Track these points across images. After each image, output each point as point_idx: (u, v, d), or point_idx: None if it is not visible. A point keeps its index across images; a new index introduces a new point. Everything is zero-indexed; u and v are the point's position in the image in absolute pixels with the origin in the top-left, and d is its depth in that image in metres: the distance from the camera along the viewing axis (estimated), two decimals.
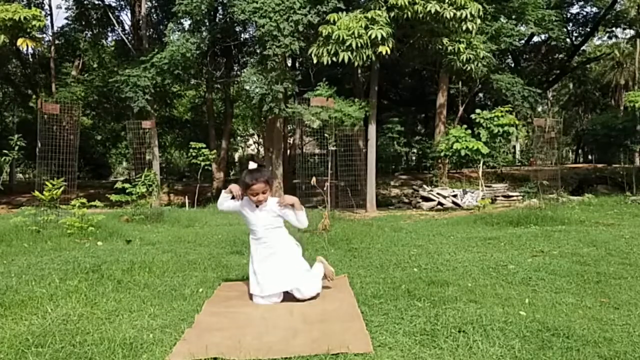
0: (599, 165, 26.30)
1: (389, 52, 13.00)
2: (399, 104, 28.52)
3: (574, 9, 25.48)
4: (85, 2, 22.82)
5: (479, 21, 13.65)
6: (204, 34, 17.24)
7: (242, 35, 21.26)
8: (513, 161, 34.64)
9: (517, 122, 14.73)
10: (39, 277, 4.15)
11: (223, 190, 3.77)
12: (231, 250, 6.04)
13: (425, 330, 2.92)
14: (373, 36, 12.66)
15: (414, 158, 30.68)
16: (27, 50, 19.52)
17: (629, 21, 24.66)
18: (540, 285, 4.08)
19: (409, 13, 12.90)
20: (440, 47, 14.06)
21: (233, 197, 3.70)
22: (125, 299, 3.64)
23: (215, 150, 18.01)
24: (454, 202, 14.56)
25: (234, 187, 3.68)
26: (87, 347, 2.71)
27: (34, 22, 13.92)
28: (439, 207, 14.44)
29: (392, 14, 13.11)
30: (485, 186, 15.42)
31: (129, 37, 21.99)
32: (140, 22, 20.32)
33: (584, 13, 25.76)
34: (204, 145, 15.10)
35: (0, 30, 13.67)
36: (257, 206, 3.69)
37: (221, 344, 2.80)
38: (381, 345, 2.74)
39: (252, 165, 3.71)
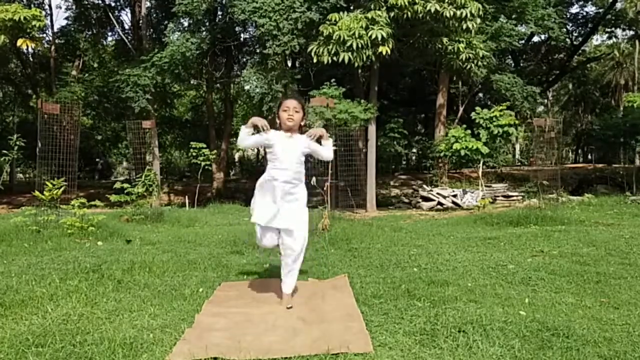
0: (599, 165, 26.30)
1: (389, 52, 13.01)
2: (399, 104, 28.51)
3: (574, 9, 25.52)
4: (85, 2, 22.82)
5: (479, 20, 13.65)
6: (204, 33, 17.23)
7: (242, 35, 21.26)
8: (513, 161, 34.65)
9: (516, 121, 14.73)
10: (39, 277, 4.16)
11: (243, 126, 3.52)
12: (231, 250, 6.04)
13: (425, 330, 2.93)
14: (373, 36, 12.66)
15: (414, 158, 30.69)
16: (27, 50, 19.50)
17: (629, 21, 24.64)
18: (540, 285, 4.08)
19: (409, 13, 12.91)
20: (440, 46, 14.06)
21: (257, 132, 3.51)
22: (125, 299, 3.64)
23: (215, 151, 18.00)
24: (454, 202, 14.55)
25: (258, 120, 3.48)
26: (87, 347, 2.71)
27: (34, 22, 13.89)
28: (439, 207, 14.44)
29: (392, 14, 13.12)
30: (485, 186, 15.41)
31: (129, 37, 21.99)
32: (140, 22, 20.31)
33: (584, 13, 25.81)
34: (204, 145, 15.08)
35: (0, 31, 13.66)
36: (289, 134, 3.52)
37: (221, 344, 2.81)
38: (381, 345, 2.74)
39: None
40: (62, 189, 7.35)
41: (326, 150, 3.67)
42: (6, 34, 13.86)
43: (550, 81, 28.09)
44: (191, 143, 15.28)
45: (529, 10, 17.48)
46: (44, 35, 21.41)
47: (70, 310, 3.30)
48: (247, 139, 3.56)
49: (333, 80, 13.44)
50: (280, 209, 3.53)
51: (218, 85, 23.18)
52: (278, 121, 3.60)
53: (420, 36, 14.44)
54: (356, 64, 13.21)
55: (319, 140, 3.64)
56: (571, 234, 6.64)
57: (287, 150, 3.54)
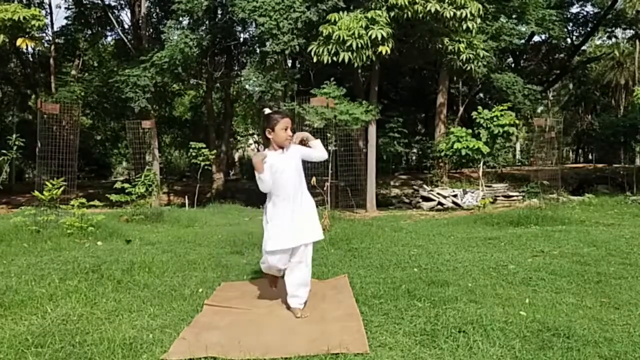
0: (600, 165, 26.28)
1: (389, 52, 12.99)
2: (399, 104, 28.46)
3: (574, 9, 25.49)
4: (85, 1, 22.80)
5: (479, 20, 13.64)
6: (203, 33, 17.22)
7: (242, 35, 21.27)
8: (513, 161, 34.63)
9: (517, 121, 14.72)
10: (39, 277, 4.15)
11: (261, 174, 3.28)
12: (231, 250, 6.04)
13: (426, 330, 2.92)
14: (373, 36, 12.65)
15: (414, 158, 30.66)
16: (26, 49, 19.48)
17: (629, 21, 24.62)
18: (540, 285, 4.07)
19: (409, 13, 12.89)
20: (440, 46, 14.06)
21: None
22: (125, 299, 3.64)
23: (215, 151, 17.96)
24: (454, 202, 14.54)
25: (259, 158, 3.29)
26: (87, 347, 2.71)
27: (33, 22, 13.86)
28: (439, 207, 14.43)
29: (392, 14, 13.11)
30: (486, 186, 15.40)
31: (129, 37, 21.97)
32: (140, 21, 20.30)
33: (584, 13, 25.78)
34: (204, 145, 15.05)
35: None
36: (282, 150, 3.40)
37: (220, 343, 2.81)
38: (381, 345, 2.74)
39: (268, 110, 3.48)
40: (62, 188, 7.34)
41: (317, 151, 3.53)
42: (5, 34, 13.84)
43: (550, 81, 28.08)
44: (191, 143, 15.24)
45: (529, 10, 17.49)
46: (44, 34, 21.38)
47: (70, 311, 3.30)
48: (266, 181, 3.32)
49: (332, 79, 13.41)
50: (298, 225, 3.39)
51: (218, 85, 23.17)
52: (270, 136, 3.39)
53: (421, 36, 14.42)
54: (356, 64, 13.19)
55: (303, 143, 3.51)
56: (572, 234, 6.63)
57: (289, 167, 3.40)
